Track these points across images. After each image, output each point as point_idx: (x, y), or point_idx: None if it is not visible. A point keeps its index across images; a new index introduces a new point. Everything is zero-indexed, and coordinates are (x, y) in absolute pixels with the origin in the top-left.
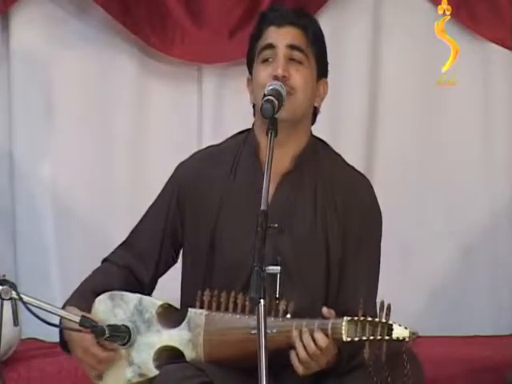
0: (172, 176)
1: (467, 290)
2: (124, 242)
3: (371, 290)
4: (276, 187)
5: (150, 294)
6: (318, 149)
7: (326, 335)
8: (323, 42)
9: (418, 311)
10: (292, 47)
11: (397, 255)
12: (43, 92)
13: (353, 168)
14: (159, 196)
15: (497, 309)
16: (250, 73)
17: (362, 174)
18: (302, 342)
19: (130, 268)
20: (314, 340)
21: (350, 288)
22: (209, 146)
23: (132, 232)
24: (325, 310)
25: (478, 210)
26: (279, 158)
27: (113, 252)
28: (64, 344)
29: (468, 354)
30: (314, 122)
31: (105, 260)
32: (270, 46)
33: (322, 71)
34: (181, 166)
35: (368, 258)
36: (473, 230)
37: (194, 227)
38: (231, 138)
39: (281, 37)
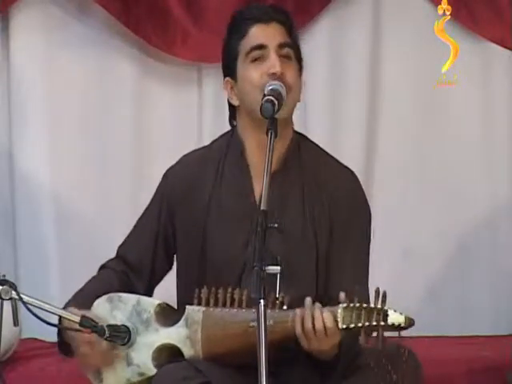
0: (161, 184)
1: (467, 290)
2: (117, 255)
3: (361, 278)
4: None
5: None
6: (300, 145)
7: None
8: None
9: (418, 311)
10: (282, 45)
11: (397, 255)
12: (43, 92)
13: (336, 160)
14: (149, 204)
15: (496, 309)
16: (229, 74)
17: (345, 166)
18: (312, 313)
19: (126, 274)
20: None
21: (337, 276)
22: (195, 150)
23: (123, 244)
24: (342, 295)
25: (478, 211)
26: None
27: (108, 261)
28: (61, 346)
29: (468, 354)
30: None
31: (102, 267)
32: (261, 47)
33: (300, 68)
34: (169, 173)
35: (356, 246)
36: (473, 230)
37: (185, 231)
38: (215, 140)
39: (270, 36)
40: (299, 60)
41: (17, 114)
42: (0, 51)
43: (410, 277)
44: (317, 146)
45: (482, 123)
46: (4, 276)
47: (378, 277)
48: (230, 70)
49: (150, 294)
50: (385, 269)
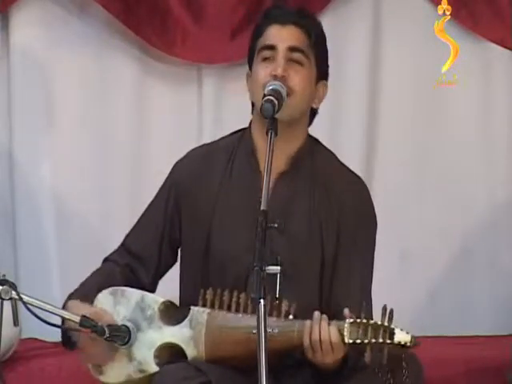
0: (169, 176)
1: (467, 290)
2: (122, 245)
3: (366, 283)
4: (272, 187)
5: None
6: (313, 149)
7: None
8: (325, 45)
9: (418, 311)
10: (292, 49)
11: (397, 256)
12: (43, 92)
13: (348, 168)
14: (156, 196)
15: (497, 309)
16: (250, 69)
17: (356, 175)
18: (319, 325)
19: (130, 267)
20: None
21: (343, 285)
22: (204, 145)
23: (129, 234)
24: (346, 312)
25: (478, 211)
26: (275, 158)
27: (112, 253)
28: (65, 341)
29: (468, 354)
30: (311, 122)
31: (105, 260)
32: (271, 47)
33: (322, 73)
34: (177, 166)
35: (362, 255)
36: (473, 230)
37: (191, 226)
38: (227, 136)
39: (282, 38)
40: (319, 67)
41: (17, 113)
42: (0, 49)
43: (409, 277)
44: (330, 151)
45: (482, 123)
46: (4, 276)
47: (379, 277)
48: (250, 65)
49: (154, 286)
50: (385, 269)
